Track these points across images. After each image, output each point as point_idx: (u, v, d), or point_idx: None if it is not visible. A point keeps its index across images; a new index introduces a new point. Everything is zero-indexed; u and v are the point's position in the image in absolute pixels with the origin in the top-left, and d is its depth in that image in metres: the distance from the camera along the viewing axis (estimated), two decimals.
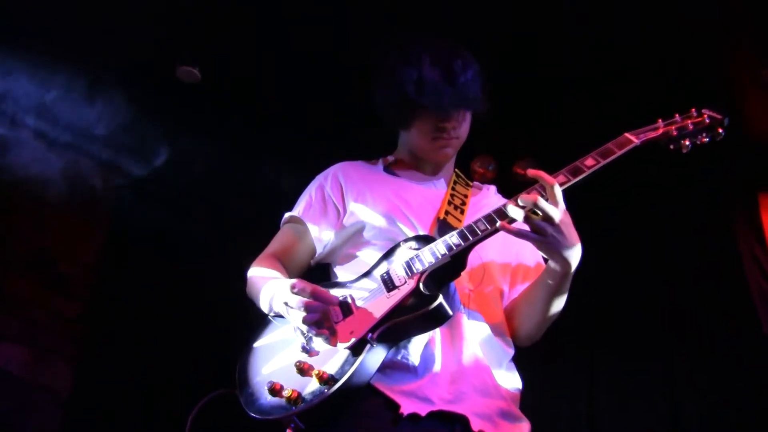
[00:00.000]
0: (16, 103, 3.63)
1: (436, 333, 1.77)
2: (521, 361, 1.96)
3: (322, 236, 2.04)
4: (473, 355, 1.78)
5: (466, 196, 2.09)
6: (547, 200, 1.65)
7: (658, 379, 3.73)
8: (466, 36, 3.21)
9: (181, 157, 4.05)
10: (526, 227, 1.68)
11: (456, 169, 2.21)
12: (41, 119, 3.77)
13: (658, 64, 3.26)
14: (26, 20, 3.37)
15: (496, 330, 1.89)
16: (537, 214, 1.65)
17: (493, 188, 2.25)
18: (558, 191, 1.66)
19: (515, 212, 1.65)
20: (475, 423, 1.71)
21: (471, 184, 2.20)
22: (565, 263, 1.72)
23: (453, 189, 2.09)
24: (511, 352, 1.93)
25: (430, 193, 2.09)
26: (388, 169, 2.19)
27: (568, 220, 1.69)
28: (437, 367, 1.73)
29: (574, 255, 1.72)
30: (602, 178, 1.83)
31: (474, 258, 1.90)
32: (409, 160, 2.19)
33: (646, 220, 3.95)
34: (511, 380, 1.88)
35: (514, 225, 1.68)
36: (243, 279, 2.06)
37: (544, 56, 3.51)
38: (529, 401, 1.92)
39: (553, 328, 1.97)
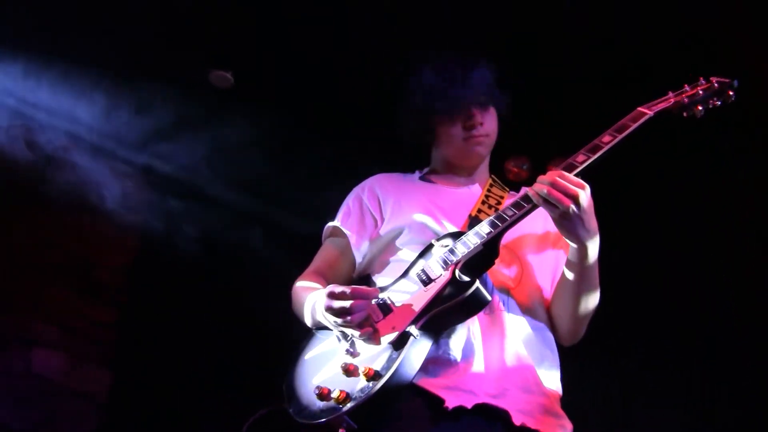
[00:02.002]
0: (53, 112, 3.69)
1: (477, 329, 1.79)
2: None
3: (360, 245, 2.08)
4: (515, 352, 1.80)
5: (502, 197, 2.11)
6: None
7: (693, 383, 3.68)
8: (489, 36, 3.26)
9: (216, 163, 4.08)
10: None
11: (492, 175, 2.24)
12: (76, 127, 3.81)
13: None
14: (55, 28, 3.41)
15: (538, 328, 1.90)
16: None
17: None
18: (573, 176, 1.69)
19: (543, 190, 1.67)
20: (516, 417, 1.71)
21: (508, 189, 2.22)
22: (582, 247, 1.74)
23: (488, 191, 2.11)
24: (555, 351, 1.93)
25: (464, 196, 2.11)
26: (424, 177, 2.24)
27: (591, 203, 1.70)
28: (479, 361, 1.75)
29: (591, 240, 1.73)
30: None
31: (512, 256, 1.94)
32: (443, 169, 2.23)
33: (685, 227, 3.90)
34: (553, 380, 1.87)
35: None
36: (283, 288, 2.11)
37: (571, 53, 3.50)
38: (564, 404, 1.91)
39: (588, 330, 1.97)
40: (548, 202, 1.67)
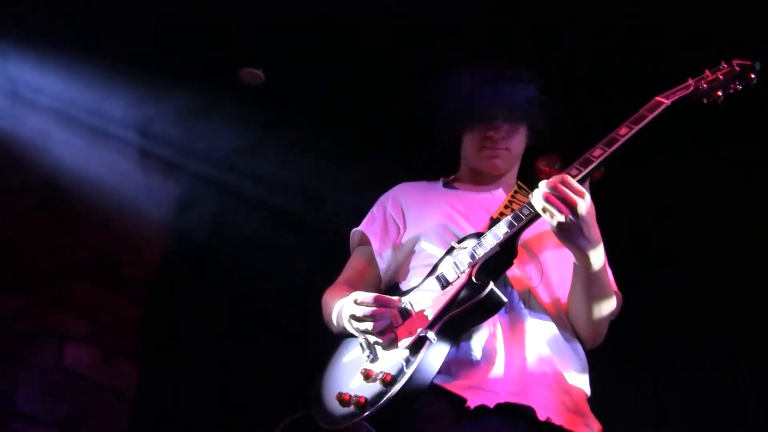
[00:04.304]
0: (81, 108, 3.72)
1: (499, 330, 1.78)
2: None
3: (383, 251, 2.10)
4: (537, 352, 1.78)
5: (525, 203, 2.06)
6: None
7: (725, 384, 3.62)
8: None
9: (247, 159, 4.09)
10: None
11: (519, 181, 2.21)
12: (105, 122, 3.85)
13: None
14: (89, 24, 3.45)
15: (561, 327, 1.87)
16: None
17: None
18: (575, 181, 1.65)
19: (539, 198, 1.64)
20: (541, 413, 1.69)
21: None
22: (583, 257, 1.70)
23: (513, 196, 2.08)
24: (579, 350, 1.90)
25: (487, 200, 2.10)
26: (448, 184, 2.26)
27: (592, 213, 1.66)
28: (500, 361, 1.73)
29: (593, 249, 1.69)
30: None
31: (532, 256, 1.92)
32: (468, 176, 2.24)
33: (723, 221, 3.81)
34: (578, 379, 1.85)
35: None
36: (314, 289, 2.15)
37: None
38: (594, 405, 1.88)
39: (618, 331, 1.93)
40: (546, 211, 1.64)
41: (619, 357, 3.47)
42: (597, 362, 1.98)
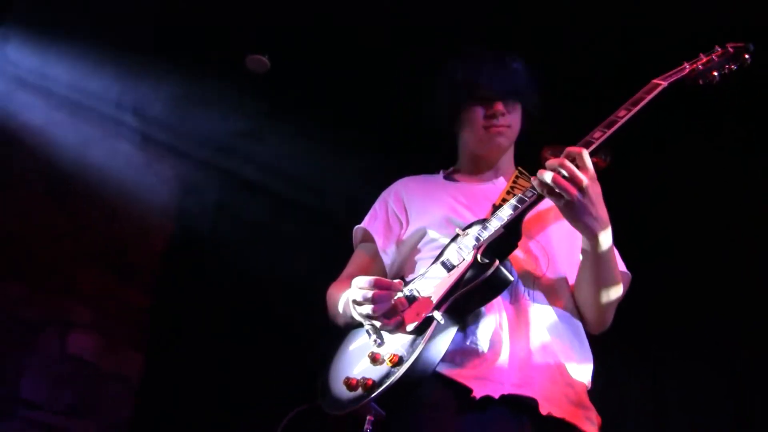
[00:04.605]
0: (83, 94, 3.72)
1: (504, 320, 1.78)
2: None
3: (386, 247, 2.11)
4: (541, 342, 1.79)
5: (526, 188, 2.08)
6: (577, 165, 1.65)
7: (723, 374, 3.63)
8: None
9: (251, 148, 4.09)
10: None
11: (519, 167, 2.22)
12: (107, 108, 3.85)
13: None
14: (92, 9, 3.45)
15: (565, 317, 1.88)
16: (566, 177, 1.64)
17: None
18: (587, 157, 1.67)
19: (546, 176, 1.65)
20: (543, 407, 1.71)
21: None
22: (592, 236, 1.71)
23: (514, 182, 2.10)
24: (584, 341, 1.92)
25: (489, 190, 2.11)
26: (448, 177, 2.26)
27: (599, 192, 1.68)
28: (505, 351, 1.74)
29: (602, 229, 1.70)
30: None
31: (537, 245, 1.93)
32: (468, 166, 2.25)
33: (723, 217, 3.82)
34: (581, 370, 1.86)
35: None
36: (321, 279, 2.16)
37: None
38: (594, 398, 1.89)
39: (617, 321, 1.94)
40: (552, 191, 1.65)
41: (619, 347, 3.49)
42: (596, 353, 1.98)
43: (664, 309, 3.77)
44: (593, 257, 1.77)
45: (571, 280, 1.95)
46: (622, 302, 1.93)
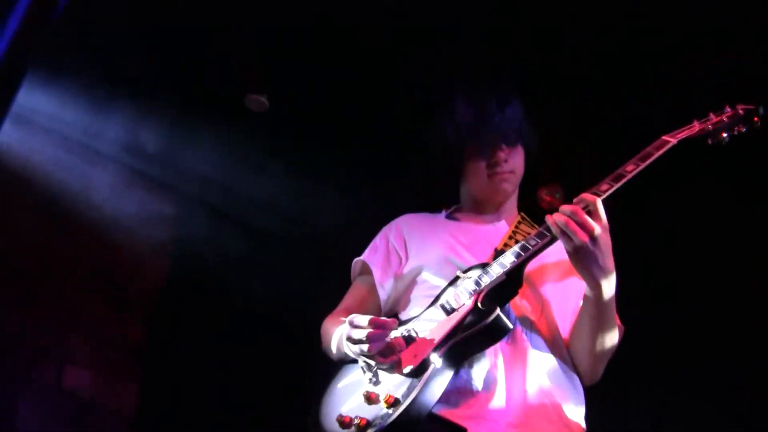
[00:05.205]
0: (85, 132, 3.76)
1: (500, 360, 1.79)
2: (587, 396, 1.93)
3: (384, 281, 2.11)
4: (538, 384, 1.79)
5: (529, 234, 2.07)
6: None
7: (727, 417, 3.56)
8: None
9: (249, 185, 4.11)
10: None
11: (522, 213, 2.23)
12: (107, 145, 3.88)
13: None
14: (89, 46, 3.49)
15: (561, 360, 1.88)
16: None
17: None
18: (600, 206, 1.68)
19: (560, 220, 1.66)
20: None
21: (537, 227, 2.19)
22: (596, 285, 1.71)
23: (516, 227, 2.11)
24: (578, 384, 1.91)
25: (490, 232, 2.12)
26: (450, 216, 2.27)
27: (608, 242, 1.69)
28: (501, 392, 1.74)
29: (606, 279, 1.71)
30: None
31: (534, 289, 1.94)
32: (471, 207, 2.26)
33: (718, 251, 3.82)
34: (576, 413, 1.85)
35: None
36: (315, 310, 2.17)
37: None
38: None
39: (620, 363, 1.93)
40: (565, 234, 1.65)
41: (620, 389, 3.46)
42: (598, 394, 1.98)
43: (667, 351, 3.75)
44: (594, 307, 1.77)
45: (563, 329, 1.96)
46: (626, 344, 1.93)
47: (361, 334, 1.69)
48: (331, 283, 2.33)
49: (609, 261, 1.70)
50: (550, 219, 1.70)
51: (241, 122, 3.91)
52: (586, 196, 1.70)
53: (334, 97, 3.82)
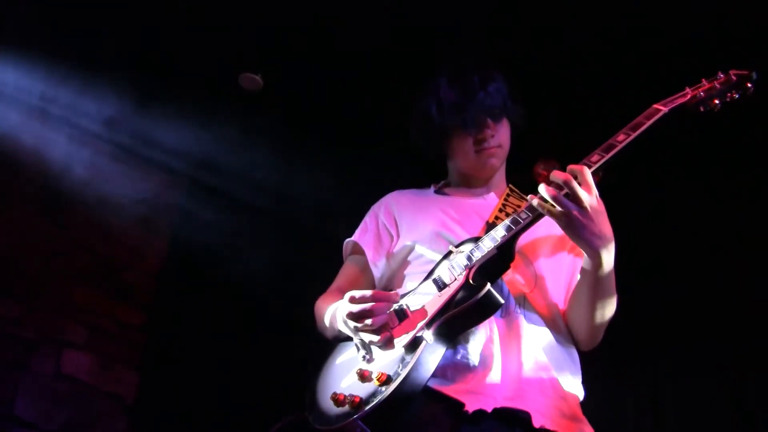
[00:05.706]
0: (82, 116, 3.74)
1: (495, 334, 1.78)
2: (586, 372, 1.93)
3: (377, 260, 2.10)
4: (533, 356, 1.79)
5: (519, 207, 2.07)
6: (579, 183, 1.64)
7: (726, 394, 3.61)
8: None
9: (244, 167, 4.10)
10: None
11: (510, 185, 2.22)
12: (104, 130, 3.87)
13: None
14: (86, 27, 3.47)
15: (555, 332, 1.88)
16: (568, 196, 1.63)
17: None
18: (588, 175, 1.65)
19: (547, 194, 1.64)
20: (536, 419, 1.70)
21: (527, 198, 2.17)
22: (594, 254, 1.68)
23: (506, 200, 2.10)
24: (574, 355, 1.91)
25: (480, 205, 2.11)
26: (439, 191, 2.26)
27: (601, 209, 1.67)
28: (497, 366, 1.74)
29: (604, 247, 1.68)
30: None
31: (527, 262, 1.93)
32: (459, 182, 2.24)
33: (715, 229, 3.81)
34: (572, 384, 1.85)
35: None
36: (312, 294, 2.14)
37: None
38: (592, 413, 1.88)
39: (617, 337, 1.93)
40: (552, 208, 1.64)
41: (619, 363, 3.47)
42: (594, 368, 1.98)
43: (663, 326, 3.77)
44: (592, 278, 1.75)
45: (560, 297, 1.95)
46: (625, 318, 1.92)
47: (364, 307, 1.69)
48: (324, 262, 2.30)
49: (606, 228, 1.67)
50: (533, 198, 1.69)
51: (237, 102, 3.90)
52: (574, 166, 1.68)
53: (323, 77, 3.82)
